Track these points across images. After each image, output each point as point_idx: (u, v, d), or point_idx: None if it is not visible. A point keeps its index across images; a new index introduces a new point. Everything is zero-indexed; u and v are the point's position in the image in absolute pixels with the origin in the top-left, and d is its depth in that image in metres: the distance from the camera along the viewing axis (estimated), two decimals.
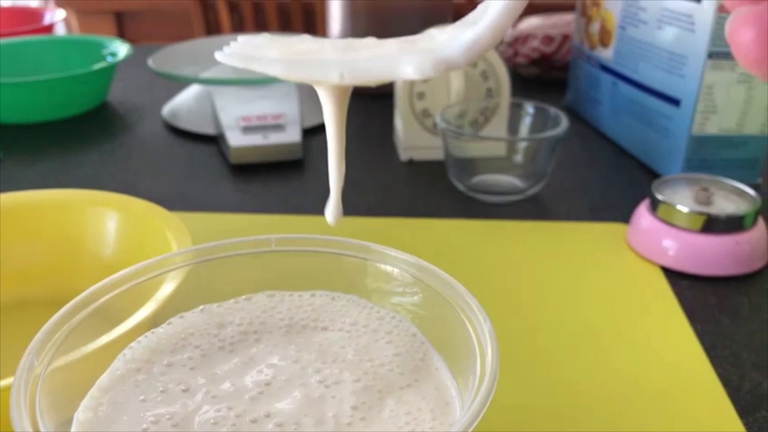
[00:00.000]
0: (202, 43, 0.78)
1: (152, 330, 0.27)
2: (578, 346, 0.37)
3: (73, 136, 0.66)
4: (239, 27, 1.62)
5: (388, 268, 0.27)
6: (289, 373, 0.25)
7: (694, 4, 0.50)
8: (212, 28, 1.65)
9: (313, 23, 1.57)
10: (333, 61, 0.21)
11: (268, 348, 0.26)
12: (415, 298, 0.27)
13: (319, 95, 0.24)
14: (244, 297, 0.29)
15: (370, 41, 0.23)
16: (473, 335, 0.23)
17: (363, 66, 0.21)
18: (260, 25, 1.59)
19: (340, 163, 0.26)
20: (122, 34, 1.74)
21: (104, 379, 0.24)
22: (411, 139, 0.59)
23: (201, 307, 0.28)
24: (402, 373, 0.24)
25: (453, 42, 0.20)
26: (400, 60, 0.20)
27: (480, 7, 0.20)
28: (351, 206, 0.53)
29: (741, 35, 0.14)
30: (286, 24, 1.58)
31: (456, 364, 0.25)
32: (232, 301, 0.28)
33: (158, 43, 1.81)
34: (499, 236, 0.48)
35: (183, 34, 1.75)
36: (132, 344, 0.26)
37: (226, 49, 0.22)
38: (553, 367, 0.36)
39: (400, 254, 0.27)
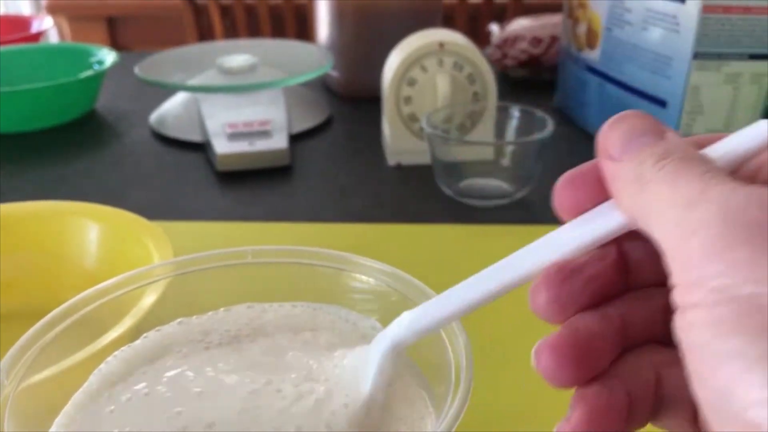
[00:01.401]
0: (190, 50, 0.78)
1: (128, 344, 0.27)
2: None
3: (60, 144, 0.66)
4: (231, 31, 1.62)
5: (364, 278, 0.27)
6: (261, 382, 0.24)
7: (678, 5, 0.50)
8: (204, 32, 1.65)
9: (305, 26, 1.57)
10: None
11: (257, 347, 0.26)
12: (392, 307, 0.27)
13: None
14: (223, 309, 0.28)
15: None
16: (449, 347, 0.23)
17: None
18: (252, 29, 1.59)
19: None
20: (114, 40, 1.74)
21: (79, 395, 0.24)
22: (398, 143, 0.59)
23: (179, 320, 0.28)
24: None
25: None
26: None
27: None
28: (339, 211, 0.54)
29: (541, 361, 0.18)
30: (278, 27, 1.58)
31: (432, 374, 0.24)
32: (210, 313, 0.28)
33: (150, 47, 1.81)
34: (486, 241, 0.48)
35: (175, 38, 1.75)
36: (108, 359, 0.26)
37: None
38: (531, 372, 0.36)
39: (376, 264, 0.27)
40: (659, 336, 0.19)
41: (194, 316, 0.28)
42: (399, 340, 0.21)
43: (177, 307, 0.28)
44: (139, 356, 0.26)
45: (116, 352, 0.26)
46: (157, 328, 0.27)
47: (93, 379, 0.25)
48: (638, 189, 0.16)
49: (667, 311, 0.17)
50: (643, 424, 0.19)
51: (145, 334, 0.27)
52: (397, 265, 0.46)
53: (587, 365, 0.18)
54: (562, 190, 0.20)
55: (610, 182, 0.18)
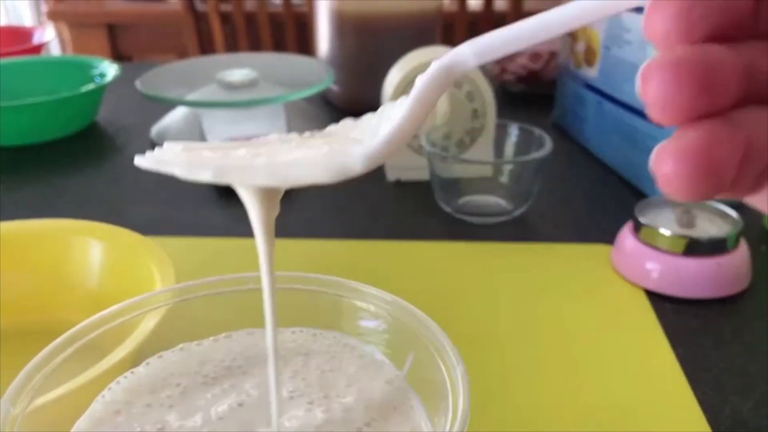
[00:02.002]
0: (191, 63, 0.78)
1: (131, 370, 0.27)
2: (559, 369, 0.38)
3: (61, 158, 0.66)
4: (232, 38, 1.62)
5: (364, 305, 0.28)
6: (264, 403, 0.25)
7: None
8: (205, 39, 1.66)
9: (305, 34, 1.58)
10: (261, 164, 0.20)
11: (250, 380, 0.27)
12: (392, 336, 0.27)
13: (246, 199, 0.22)
14: (223, 335, 0.29)
15: (294, 137, 0.22)
16: (446, 377, 0.23)
17: (292, 172, 0.19)
18: (252, 36, 1.59)
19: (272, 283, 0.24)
20: (115, 47, 1.74)
21: (82, 422, 0.25)
22: (398, 159, 0.59)
23: (180, 345, 0.28)
24: (377, 410, 0.25)
25: (374, 136, 0.19)
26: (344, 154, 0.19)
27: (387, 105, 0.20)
28: (338, 227, 0.54)
29: (663, 168, 0.15)
30: (278, 34, 1.58)
31: (431, 403, 0.25)
32: (211, 339, 0.29)
33: (151, 54, 1.82)
34: (485, 258, 0.48)
35: (175, 45, 1.76)
36: (111, 385, 0.26)
37: (148, 154, 0.21)
38: (533, 389, 0.36)
39: (375, 291, 0.27)
40: None
41: (195, 342, 0.28)
42: (456, 59, 0.17)
43: (179, 332, 0.28)
44: (141, 385, 0.26)
45: (119, 378, 0.27)
46: (159, 354, 0.28)
47: (96, 407, 0.25)
48: None
49: None
50: (743, 190, 0.16)
51: (147, 360, 0.27)
52: (396, 283, 0.47)
53: (709, 93, 0.15)
54: None
55: None
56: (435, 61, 0.18)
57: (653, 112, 0.15)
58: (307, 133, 0.22)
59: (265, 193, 0.22)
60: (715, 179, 0.15)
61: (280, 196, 0.22)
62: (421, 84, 0.18)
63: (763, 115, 0.16)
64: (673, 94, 0.15)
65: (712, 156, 0.15)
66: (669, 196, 0.15)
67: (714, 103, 0.15)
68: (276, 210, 0.23)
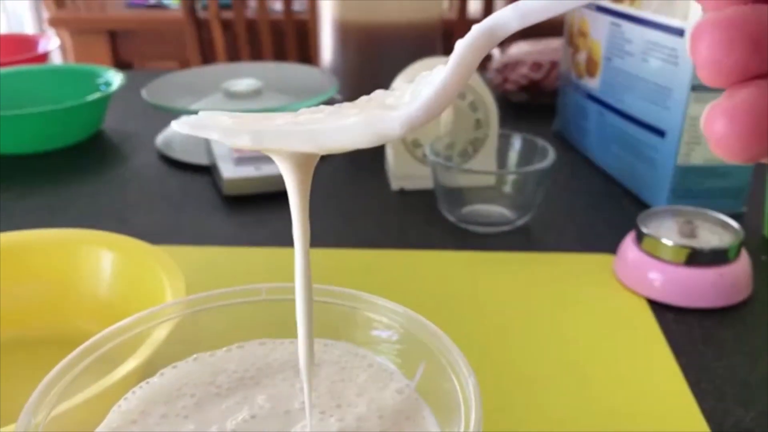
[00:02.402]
0: (196, 73, 0.79)
1: (147, 380, 0.28)
2: (562, 379, 0.38)
3: (67, 167, 0.67)
4: (233, 45, 1.63)
5: (377, 317, 0.28)
6: (276, 414, 0.25)
7: (677, 38, 0.51)
8: (206, 46, 1.67)
9: (306, 41, 1.58)
10: (299, 131, 0.20)
11: (262, 391, 0.27)
12: (404, 347, 0.28)
13: (282, 167, 0.22)
14: (236, 345, 0.29)
15: (326, 108, 0.22)
16: (458, 389, 0.24)
17: (335, 135, 0.19)
18: (254, 43, 1.60)
19: (305, 251, 0.24)
20: (116, 54, 1.75)
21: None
22: (402, 168, 0.60)
23: (194, 356, 0.29)
24: (390, 420, 0.25)
25: (414, 99, 0.19)
26: (381, 119, 0.20)
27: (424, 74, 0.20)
28: (343, 237, 0.54)
29: (716, 127, 0.15)
30: (279, 42, 1.59)
31: (443, 415, 0.25)
32: (224, 349, 0.29)
33: (152, 61, 1.82)
34: (488, 268, 0.49)
35: (177, 53, 1.76)
36: (127, 395, 0.27)
37: (185, 118, 0.21)
38: (537, 399, 0.36)
39: (388, 303, 0.28)
40: None
41: (208, 353, 0.29)
42: (499, 21, 0.17)
43: (193, 342, 0.29)
44: (156, 395, 0.26)
45: (134, 389, 0.27)
46: (173, 365, 0.28)
47: (113, 416, 0.26)
48: None
49: None
50: None
51: (161, 371, 0.28)
52: (400, 292, 0.47)
53: (761, 54, 0.14)
54: None
55: None
56: (475, 25, 0.17)
57: (704, 73, 0.15)
58: (337, 105, 0.22)
59: (301, 161, 0.22)
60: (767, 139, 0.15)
61: (314, 164, 0.22)
62: (462, 47, 0.17)
63: None
64: (726, 54, 0.14)
65: (766, 115, 0.14)
66: (721, 156, 0.15)
67: (766, 63, 0.14)
68: (310, 178, 0.23)
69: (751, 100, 0.15)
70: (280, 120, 0.21)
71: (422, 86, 0.19)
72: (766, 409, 0.36)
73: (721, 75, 0.15)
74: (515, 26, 0.17)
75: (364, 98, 0.21)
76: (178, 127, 0.21)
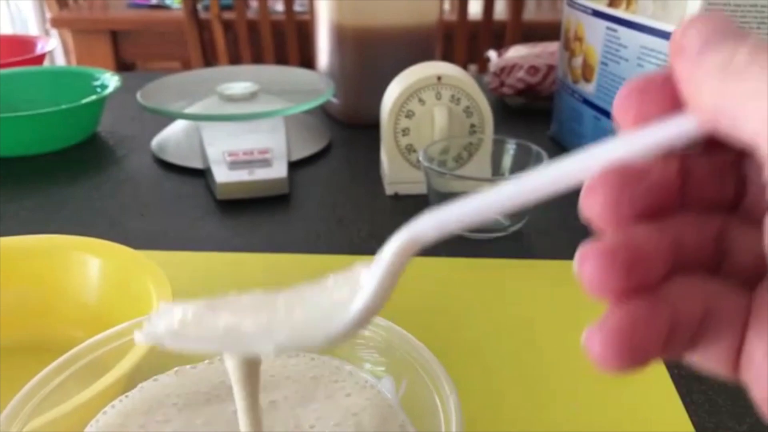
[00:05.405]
0: (192, 75, 0.79)
1: (126, 394, 0.27)
2: (553, 387, 0.38)
3: (61, 169, 0.67)
4: (234, 46, 1.63)
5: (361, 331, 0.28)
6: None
7: (669, 44, 0.50)
8: (207, 47, 1.67)
9: (307, 41, 1.58)
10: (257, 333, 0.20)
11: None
12: (386, 361, 0.27)
13: (231, 368, 0.23)
14: (218, 358, 0.29)
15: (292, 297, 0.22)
16: (439, 405, 0.24)
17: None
18: (255, 44, 1.60)
19: None
20: (118, 54, 1.75)
21: None
22: (396, 174, 0.60)
23: (175, 369, 0.28)
24: None
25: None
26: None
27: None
28: (336, 242, 0.54)
29: (594, 348, 0.17)
30: (280, 42, 1.59)
31: (424, 429, 0.25)
32: (206, 362, 0.29)
33: (153, 61, 1.82)
34: (481, 275, 0.49)
35: (178, 53, 1.76)
36: (106, 409, 0.27)
37: (144, 330, 0.21)
38: (525, 406, 0.36)
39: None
40: (708, 264, 0.18)
41: (189, 365, 0.29)
42: (418, 232, 0.18)
43: (172, 356, 0.29)
44: (136, 408, 0.26)
45: (114, 402, 0.27)
46: (153, 378, 0.28)
47: (90, 430, 0.26)
48: (722, 79, 0.15)
49: (720, 239, 0.17)
50: (676, 355, 0.18)
51: (141, 384, 0.28)
52: (392, 298, 0.47)
53: (636, 274, 0.16)
54: (627, 99, 0.17)
55: (686, 82, 0.16)
56: (399, 234, 0.19)
57: (588, 290, 0.17)
58: (285, 295, 0.21)
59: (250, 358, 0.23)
60: (640, 356, 0.16)
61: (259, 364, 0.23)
62: (386, 258, 0.19)
63: (689, 286, 0.17)
64: (603, 277, 0.16)
65: (636, 337, 0.16)
66: (601, 369, 0.17)
67: (642, 282, 0.17)
68: (259, 374, 0.23)
69: (622, 324, 0.16)
70: (234, 316, 0.21)
71: (354, 292, 0.20)
72: (758, 423, 0.35)
73: (601, 293, 0.17)
74: (432, 236, 0.18)
75: (312, 288, 0.21)
76: (139, 339, 0.21)
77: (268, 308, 0.21)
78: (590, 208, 0.17)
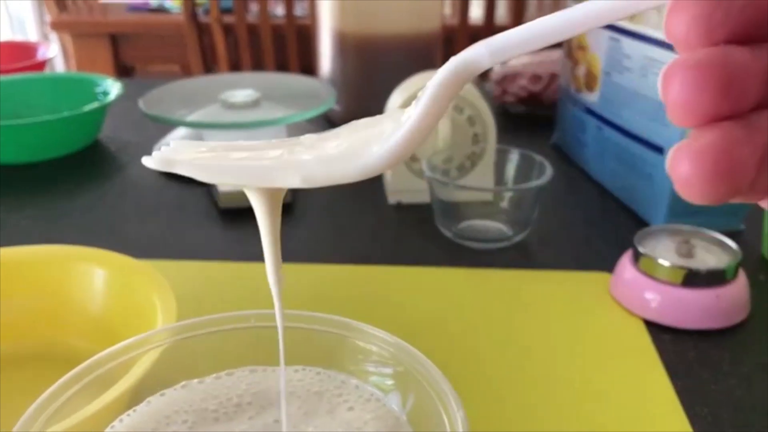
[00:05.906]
0: (194, 83, 0.79)
1: (134, 408, 0.27)
2: (556, 399, 0.38)
3: (62, 176, 0.66)
4: (234, 50, 1.63)
5: (367, 346, 0.28)
6: None
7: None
8: (207, 51, 1.66)
9: (307, 46, 1.58)
10: (291, 162, 0.20)
11: (264, 416, 0.27)
12: (395, 376, 0.27)
13: (254, 198, 0.22)
14: (225, 372, 0.29)
15: (305, 139, 0.21)
16: (447, 422, 0.24)
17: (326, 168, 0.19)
18: (255, 47, 1.60)
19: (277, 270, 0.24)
20: (118, 57, 1.75)
21: None
22: (399, 182, 0.60)
23: (182, 383, 0.28)
24: None
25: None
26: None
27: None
28: (339, 251, 0.54)
29: (680, 169, 0.15)
30: (280, 46, 1.59)
31: None
32: (213, 376, 0.29)
33: (153, 65, 1.82)
34: (484, 285, 0.49)
35: (178, 56, 1.76)
36: (114, 423, 0.27)
37: (155, 153, 0.21)
38: (528, 418, 0.36)
39: (379, 332, 0.27)
40: None
41: (196, 380, 0.29)
42: (471, 58, 0.17)
43: (179, 370, 0.29)
44: (144, 423, 0.26)
45: (122, 416, 0.27)
46: (160, 393, 0.28)
47: None
48: None
49: None
50: (762, 194, 0.16)
51: (148, 399, 0.28)
52: (395, 309, 0.47)
53: (730, 97, 0.15)
54: None
55: None
56: (447, 63, 0.17)
57: (673, 113, 0.15)
58: (317, 136, 0.21)
59: (273, 191, 0.22)
60: (733, 181, 0.15)
61: (284, 193, 0.23)
62: (434, 85, 0.18)
63: None
64: (695, 96, 0.14)
65: (731, 157, 0.15)
66: (687, 198, 0.15)
67: (734, 106, 0.15)
68: (280, 205, 0.23)
69: (716, 143, 0.15)
70: (254, 152, 0.21)
71: (398, 121, 0.19)
72: None
73: (690, 116, 0.15)
74: (487, 63, 0.17)
75: (345, 128, 0.21)
76: (148, 162, 0.21)
77: (295, 144, 0.20)
78: (678, 25, 0.15)
